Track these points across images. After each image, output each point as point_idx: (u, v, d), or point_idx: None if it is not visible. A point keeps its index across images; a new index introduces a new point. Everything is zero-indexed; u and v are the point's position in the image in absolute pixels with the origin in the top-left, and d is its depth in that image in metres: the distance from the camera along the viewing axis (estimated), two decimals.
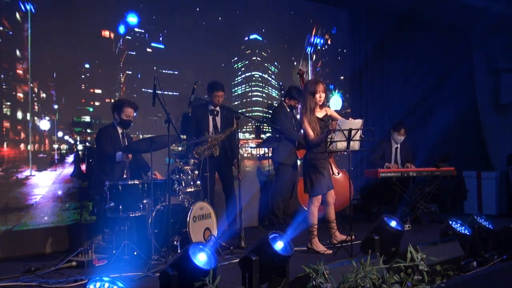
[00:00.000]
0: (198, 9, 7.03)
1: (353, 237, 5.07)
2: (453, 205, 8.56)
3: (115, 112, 5.52)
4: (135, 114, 5.69)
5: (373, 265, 3.68)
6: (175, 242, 5.12)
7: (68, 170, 5.82)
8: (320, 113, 5.41)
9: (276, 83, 7.75)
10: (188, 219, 5.25)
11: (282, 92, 7.58)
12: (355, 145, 5.16)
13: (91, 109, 6.04)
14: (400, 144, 7.47)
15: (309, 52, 8.33)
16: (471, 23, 9.55)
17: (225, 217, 6.40)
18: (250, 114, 7.36)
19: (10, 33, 5.48)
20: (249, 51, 7.58)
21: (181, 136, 6.21)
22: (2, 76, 5.43)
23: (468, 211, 8.20)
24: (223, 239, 5.54)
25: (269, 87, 7.78)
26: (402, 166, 7.33)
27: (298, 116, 7.19)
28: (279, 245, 3.77)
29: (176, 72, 6.74)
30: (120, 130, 5.57)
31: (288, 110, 6.97)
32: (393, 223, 4.65)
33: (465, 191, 8.63)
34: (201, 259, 3.51)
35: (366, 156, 8.28)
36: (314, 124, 5.30)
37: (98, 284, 3.13)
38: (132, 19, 6.35)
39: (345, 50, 8.87)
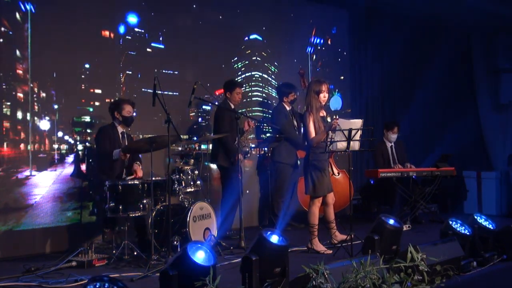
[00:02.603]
0: (198, 9, 7.04)
1: (352, 236, 5.07)
2: (453, 205, 8.57)
3: (116, 112, 5.52)
4: (134, 113, 5.69)
5: (373, 265, 3.68)
6: (175, 242, 5.12)
7: (68, 170, 5.82)
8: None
9: (276, 83, 7.74)
10: (188, 219, 5.25)
11: None
12: (355, 145, 5.17)
13: (91, 109, 6.04)
14: (394, 142, 7.54)
15: (309, 52, 8.34)
16: (471, 23, 9.55)
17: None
18: (250, 114, 7.35)
19: (10, 33, 5.48)
20: (249, 51, 7.58)
21: (181, 136, 6.21)
22: (2, 76, 5.44)
23: (468, 211, 8.20)
24: (222, 239, 5.55)
25: (269, 87, 7.78)
26: (399, 164, 7.38)
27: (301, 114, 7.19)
28: (274, 239, 3.81)
29: (176, 72, 6.74)
30: (120, 130, 5.57)
31: (288, 109, 6.96)
32: (391, 221, 4.69)
33: (465, 191, 8.63)
34: (200, 256, 3.55)
35: (370, 157, 8.31)
36: (319, 123, 5.32)
37: (98, 284, 3.13)
38: (132, 19, 6.35)
39: (345, 52, 8.87)
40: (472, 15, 9.08)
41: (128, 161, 5.55)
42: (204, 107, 7.02)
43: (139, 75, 6.40)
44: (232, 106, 6.39)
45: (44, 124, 5.70)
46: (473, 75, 9.82)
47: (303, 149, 6.94)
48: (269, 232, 3.83)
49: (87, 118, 6.02)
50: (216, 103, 6.52)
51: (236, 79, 7.26)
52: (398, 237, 4.68)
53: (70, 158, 5.84)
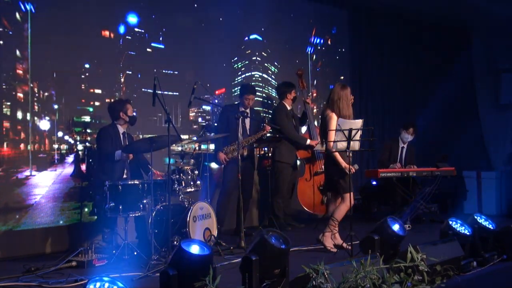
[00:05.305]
0: (198, 9, 7.03)
1: (350, 247, 5.02)
2: (453, 205, 8.56)
3: (121, 112, 5.48)
4: (134, 113, 5.69)
5: (373, 265, 3.68)
6: (175, 242, 5.12)
7: (68, 170, 5.82)
8: None
9: (276, 83, 7.74)
10: (188, 219, 5.25)
11: None
12: (355, 145, 5.16)
13: (91, 109, 6.04)
14: (407, 144, 7.49)
15: (309, 52, 8.34)
16: (471, 23, 9.56)
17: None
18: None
19: (10, 33, 5.48)
20: (249, 51, 7.58)
21: (181, 136, 6.21)
22: (2, 76, 5.43)
23: (468, 211, 8.19)
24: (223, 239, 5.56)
25: (269, 87, 7.78)
26: (405, 167, 7.34)
27: (301, 114, 7.19)
28: (274, 239, 3.81)
29: (176, 72, 6.74)
30: (121, 130, 5.56)
31: (289, 108, 6.97)
32: (396, 227, 4.59)
33: (465, 191, 8.63)
34: (194, 249, 3.62)
35: (369, 157, 8.31)
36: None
37: (98, 284, 3.14)
38: (132, 19, 6.35)
39: (344, 50, 8.87)
40: (472, 15, 9.09)
41: (131, 163, 5.54)
42: (204, 107, 7.02)
43: (139, 75, 6.40)
44: (242, 109, 6.40)
45: (44, 124, 5.70)
46: (473, 75, 9.82)
47: (303, 148, 6.97)
48: (268, 232, 3.83)
49: (87, 118, 6.01)
50: (216, 102, 6.53)
51: (236, 79, 7.27)
52: (398, 243, 4.63)
53: (70, 158, 5.84)
